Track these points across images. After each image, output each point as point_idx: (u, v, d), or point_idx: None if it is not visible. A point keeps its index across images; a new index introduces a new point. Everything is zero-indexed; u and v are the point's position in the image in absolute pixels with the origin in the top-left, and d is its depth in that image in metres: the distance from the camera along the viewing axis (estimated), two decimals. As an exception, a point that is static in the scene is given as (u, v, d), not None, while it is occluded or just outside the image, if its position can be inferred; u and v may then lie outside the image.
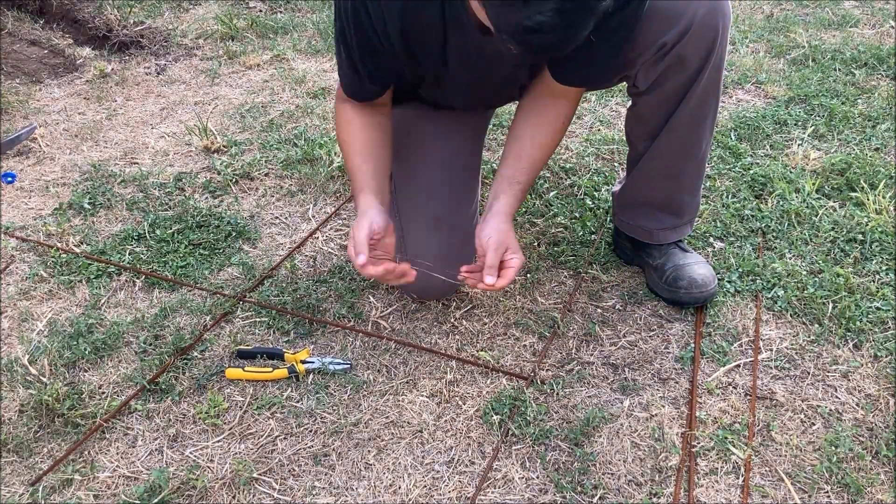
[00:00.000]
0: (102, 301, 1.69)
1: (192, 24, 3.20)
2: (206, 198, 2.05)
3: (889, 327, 1.53)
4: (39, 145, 2.33)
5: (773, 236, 1.79)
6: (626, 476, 1.27)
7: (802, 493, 1.23)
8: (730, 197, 1.93)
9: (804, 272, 1.66)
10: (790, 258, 1.72)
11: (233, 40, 3.05)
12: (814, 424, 1.35)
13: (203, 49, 3.01)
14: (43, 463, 1.32)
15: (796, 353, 1.49)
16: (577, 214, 1.90)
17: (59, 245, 1.86)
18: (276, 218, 1.97)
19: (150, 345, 1.56)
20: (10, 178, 2.15)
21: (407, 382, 1.47)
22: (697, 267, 1.58)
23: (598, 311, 1.62)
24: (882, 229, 1.76)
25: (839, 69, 2.57)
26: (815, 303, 1.58)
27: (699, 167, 1.56)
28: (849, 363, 1.46)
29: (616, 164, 2.11)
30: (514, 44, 1.00)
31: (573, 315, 1.61)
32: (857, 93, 2.41)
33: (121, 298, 1.70)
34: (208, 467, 1.31)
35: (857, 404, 1.38)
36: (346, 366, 1.48)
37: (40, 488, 1.28)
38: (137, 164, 2.23)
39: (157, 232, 1.89)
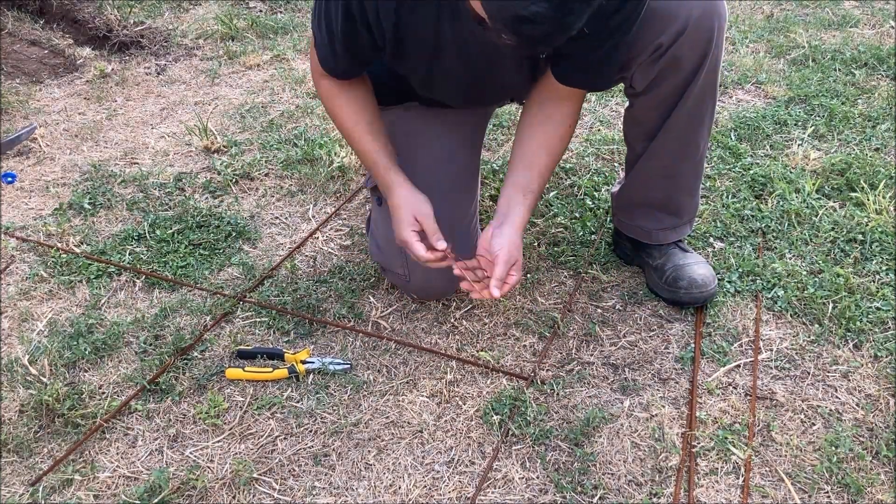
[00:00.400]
0: (102, 301, 1.69)
1: (192, 24, 3.20)
2: (206, 198, 2.05)
3: (889, 327, 1.53)
4: (39, 145, 2.33)
5: (773, 236, 1.79)
6: (626, 476, 1.27)
7: (802, 493, 1.23)
8: (730, 197, 1.93)
9: (804, 272, 1.66)
10: (790, 258, 1.72)
11: (233, 40, 3.05)
12: (814, 424, 1.35)
13: (203, 49, 3.01)
14: (43, 463, 1.32)
15: (796, 354, 1.49)
16: (577, 214, 1.90)
17: (59, 245, 1.86)
18: (276, 218, 1.97)
19: (151, 345, 1.56)
20: (10, 178, 2.15)
21: (407, 382, 1.47)
22: (697, 267, 1.58)
23: (598, 311, 1.62)
24: (882, 229, 1.76)
25: (839, 69, 2.57)
26: (815, 303, 1.58)
27: (697, 167, 1.56)
28: (849, 363, 1.46)
29: (616, 164, 2.11)
30: (508, 34, 1.00)
31: (573, 315, 1.61)
32: (857, 93, 2.41)
33: (121, 298, 1.70)
34: (208, 467, 1.31)
35: (858, 404, 1.38)
36: (346, 366, 1.48)
37: (40, 488, 1.28)
38: (137, 164, 2.23)
39: (158, 232, 1.89)
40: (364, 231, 1.86)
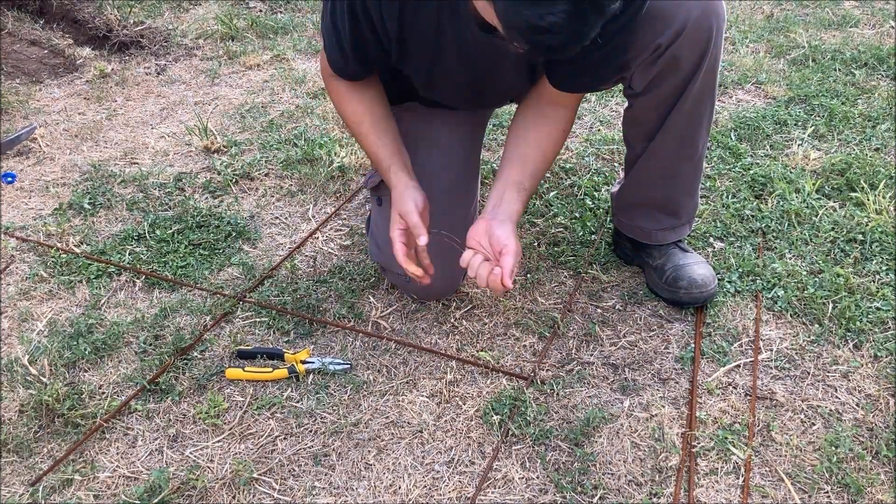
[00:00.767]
0: (102, 301, 1.69)
1: (192, 24, 3.20)
2: (206, 198, 2.05)
3: (889, 327, 1.53)
4: (39, 145, 2.33)
5: (773, 236, 1.79)
6: (626, 476, 1.27)
7: (802, 493, 1.23)
8: (730, 197, 1.93)
9: (804, 272, 1.66)
10: (790, 258, 1.72)
11: (233, 40, 3.05)
12: (814, 424, 1.35)
13: (203, 49, 3.01)
14: (43, 463, 1.32)
15: (796, 354, 1.49)
16: (577, 214, 1.90)
17: (59, 245, 1.86)
18: (276, 218, 1.97)
19: (150, 345, 1.56)
20: (10, 178, 2.15)
21: (407, 382, 1.47)
22: (697, 267, 1.58)
23: (598, 311, 1.62)
24: (882, 229, 1.76)
25: (839, 69, 2.57)
26: (815, 303, 1.58)
27: (696, 168, 1.56)
28: (849, 363, 1.46)
29: (616, 164, 2.11)
30: (522, 43, 0.99)
31: (573, 315, 1.61)
32: (857, 93, 2.41)
33: (121, 298, 1.70)
34: (208, 467, 1.31)
35: (857, 404, 1.38)
36: (346, 366, 1.48)
37: (40, 488, 1.28)
38: (137, 164, 2.23)
39: (157, 232, 1.89)
40: (364, 231, 1.86)
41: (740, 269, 1.67)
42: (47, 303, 1.69)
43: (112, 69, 2.82)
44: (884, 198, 1.86)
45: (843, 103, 2.34)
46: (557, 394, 1.42)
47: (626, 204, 1.66)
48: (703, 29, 1.33)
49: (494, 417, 1.37)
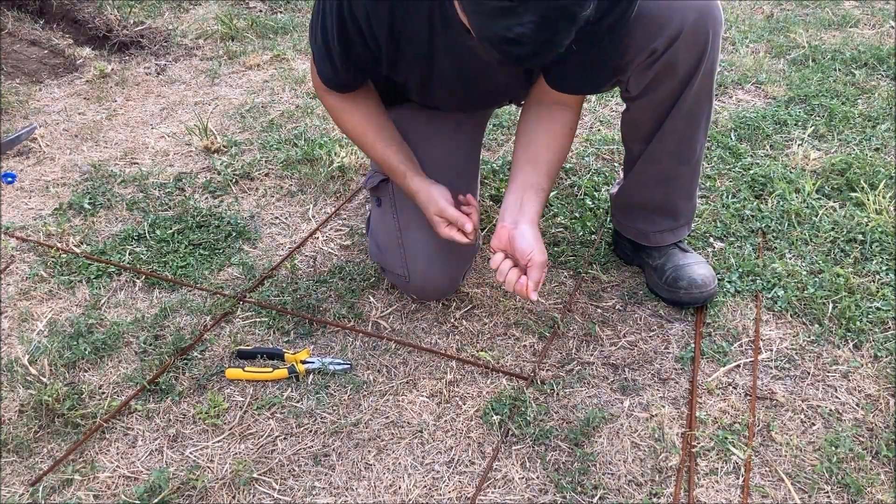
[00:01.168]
0: (102, 301, 1.69)
1: (192, 24, 3.20)
2: (206, 198, 2.05)
3: (889, 327, 1.53)
4: (39, 145, 2.33)
5: (773, 236, 1.79)
6: (626, 476, 1.27)
7: (802, 493, 1.23)
8: (730, 197, 1.93)
9: (804, 272, 1.66)
10: (790, 258, 1.72)
11: (233, 40, 3.05)
12: (814, 424, 1.35)
13: (203, 49, 3.01)
14: (43, 463, 1.32)
15: (796, 354, 1.49)
16: (577, 214, 1.90)
17: (59, 245, 1.86)
18: (276, 218, 1.97)
19: (150, 345, 1.56)
20: (10, 178, 2.15)
21: (407, 382, 1.47)
22: (697, 267, 1.58)
23: (598, 311, 1.62)
24: (882, 229, 1.76)
25: (839, 69, 2.57)
26: (815, 303, 1.58)
27: (694, 170, 1.56)
28: (849, 363, 1.46)
29: (616, 165, 2.11)
30: (494, 53, 1.01)
31: (573, 315, 1.61)
32: (857, 93, 2.41)
33: (121, 298, 1.70)
34: (208, 467, 1.31)
35: (857, 404, 1.38)
36: (346, 366, 1.48)
37: (40, 488, 1.28)
38: (137, 164, 2.23)
39: (157, 232, 1.89)
40: (364, 231, 1.86)
41: (740, 269, 1.67)
42: (47, 303, 1.69)
43: (112, 69, 2.82)
44: (884, 198, 1.86)
45: (843, 103, 2.34)
46: (557, 394, 1.42)
47: (624, 205, 1.66)
48: (700, 33, 1.32)
49: (494, 417, 1.37)
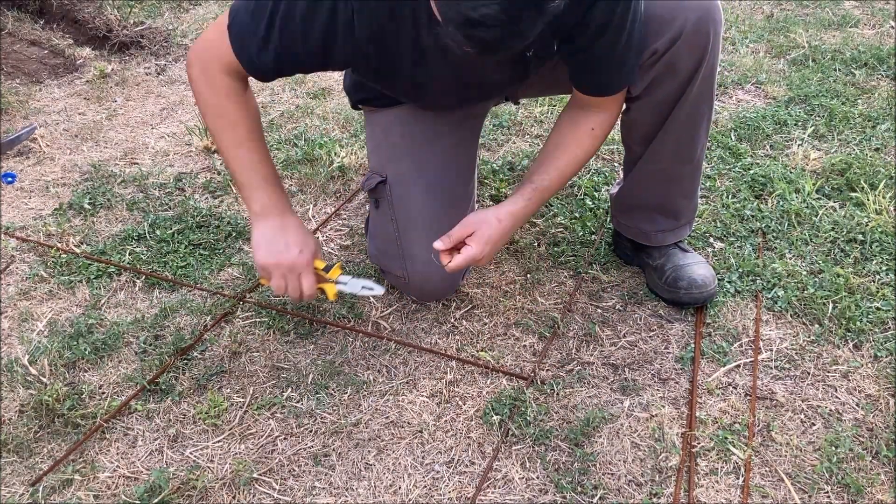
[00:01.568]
0: (102, 301, 1.69)
1: (192, 24, 3.20)
2: (206, 198, 2.05)
3: (889, 327, 1.53)
4: (39, 145, 2.33)
5: (773, 236, 1.79)
6: (626, 476, 1.27)
7: (802, 493, 1.23)
8: (730, 197, 1.93)
9: (804, 272, 1.66)
10: (790, 258, 1.72)
11: (233, 40, 3.05)
12: (814, 425, 1.35)
13: (203, 49, 3.00)
14: (43, 463, 1.32)
15: (796, 354, 1.49)
16: (577, 214, 1.90)
17: (59, 245, 1.86)
18: (276, 218, 1.97)
19: (150, 345, 1.56)
20: (10, 178, 2.15)
21: (407, 382, 1.47)
22: (697, 267, 1.58)
23: (598, 311, 1.62)
24: (882, 229, 1.76)
25: (839, 69, 2.57)
26: (815, 303, 1.58)
27: (695, 171, 1.56)
28: (849, 363, 1.46)
29: (616, 164, 2.11)
30: (459, 37, 1.00)
31: (573, 315, 1.61)
32: (857, 93, 2.41)
33: (121, 299, 1.70)
34: (208, 467, 1.31)
35: (857, 404, 1.38)
36: (378, 291, 1.39)
37: (40, 488, 1.28)
38: (137, 164, 2.23)
39: (157, 232, 1.89)
40: (363, 231, 1.86)
41: (740, 269, 1.67)
42: (47, 303, 1.69)
43: (112, 69, 2.82)
44: (884, 198, 1.86)
45: (843, 103, 2.34)
46: (557, 394, 1.42)
47: (625, 206, 1.66)
48: (701, 34, 1.32)
49: (494, 417, 1.37)
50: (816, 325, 1.54)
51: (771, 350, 1.50)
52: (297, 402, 1.43)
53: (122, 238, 1.88)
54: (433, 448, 1.34)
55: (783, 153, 2.12)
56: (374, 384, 1.46)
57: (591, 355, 1.51)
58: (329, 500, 1.26)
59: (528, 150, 2.19)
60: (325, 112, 2.47)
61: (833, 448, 1.29)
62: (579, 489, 1.25)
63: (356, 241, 1.86)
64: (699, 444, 1.31)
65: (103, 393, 1.45)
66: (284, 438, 1.36)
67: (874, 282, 1.64)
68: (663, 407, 1.39)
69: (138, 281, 1.74)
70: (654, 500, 1.23)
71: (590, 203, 1.93)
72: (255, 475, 1.29)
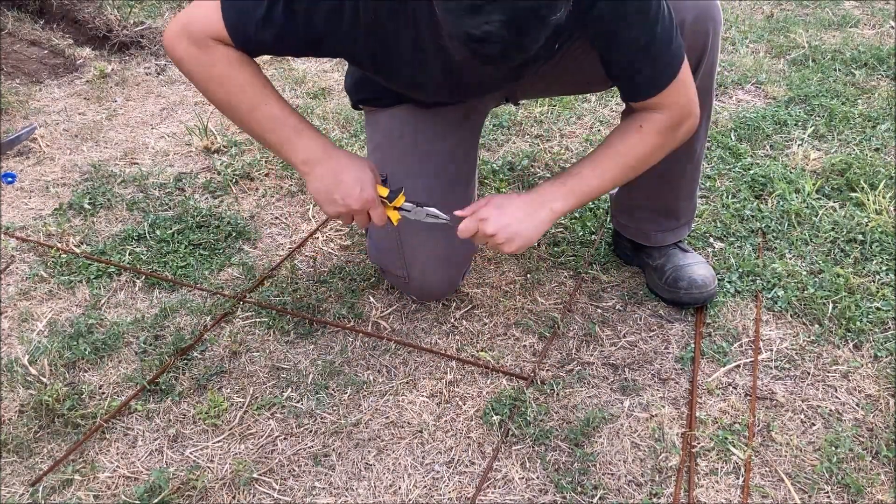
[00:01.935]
0: (102, 301, 1.69)
1: (192, 24, 3.20)
2: (206, 198, 2.05)
3: (889, 327, 1.53)
4: (39, 145, 2.33)
5: (773, 236, 1.79)
6: (626, 476, 1.27)
7: (802, 493, 1.23)
8: (730, 197, 1.93)
9: (804, 272, 1.66)
10: (790, 258, 1.72)
11: (233, 40, 3.05)
12: (814, 425, 1.35)
13: (203, 49, 3.00)
14: (43, 463, 1.32)
15: (796, 354, 1.49)
16: (577, 214, 1.90)
17: (59, 245, 1.85)
18: (276, 218, 1.97)
19: (150, 345, 1.56)
20: (10, 178, 2.15)
21: (407, 383, 1.47)
22: (697, 267, 1.58)
23: (598, 311, 1.62)
24: (882, 229, 1.76)
25: (839, 69, 2.57)
26: (815, 303, 1.58)
27: (694, 172, 1.56)
28: (849, 363, 1.46)
29: (616, 165, 2.11)
30: (462, 50, 1.01)
31: (573, 315, 1.61)
32: (857, 93, 2.41)
33: (121, 299, 1.70)
34: (208, 467, 1.31)
35: (857, 404, 1.38)
36: (444, 219, 1.37)
37: (40, 488, 1.27)
38: (137, 164, 2.23)
39: (157, 232, 1.89)
40: (363, 232, 1.86)
41: (740, 269, 1.67)
42: (47, 303, 1.69)
43: (112, 69, 2.82)
44: (884, 198, 1.86)
45: (843, 103, 2.34)
46: (557, 394, 1.42)
47: (624, 206, 1.66)
48: (700, 33, 1.32)
49: (494, 417, 1.37)
50: (816, 325, 1.54)
51: (771, 350, 1.50)
52: (297, 402, 1.43)
53: (122, 238, 1.88)
54: (433, 448, 1.34)
55: (783, 153, 2.12)
56: (374, 384, 1.46)
57: (591, 355, 1.51)
58: (329, 500, 1.26)
59: (528, 150, 2.19)
60: (325, 112, 2.46)
61: (833, 448, 1.29)
62: (579, 489, 1.25)
63: (356, 240, 1.86)
64: (699, 444, 1.31)
65: (103, 393, 1.45)
66: (284, 438, 1.36)
67: (874, 282, 1.64)
68: (663, 407, 1.39)
69: (138, 281, 1.74)
70: (654, 500, 1.23)
71: (590, 203, 1.93)
72: (255, 475, 1.29)
